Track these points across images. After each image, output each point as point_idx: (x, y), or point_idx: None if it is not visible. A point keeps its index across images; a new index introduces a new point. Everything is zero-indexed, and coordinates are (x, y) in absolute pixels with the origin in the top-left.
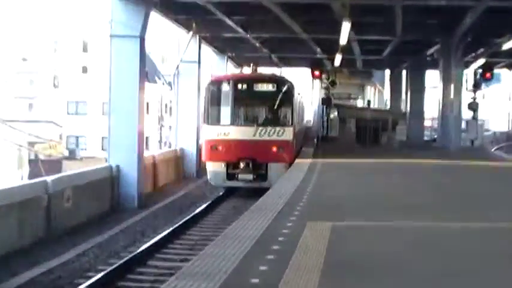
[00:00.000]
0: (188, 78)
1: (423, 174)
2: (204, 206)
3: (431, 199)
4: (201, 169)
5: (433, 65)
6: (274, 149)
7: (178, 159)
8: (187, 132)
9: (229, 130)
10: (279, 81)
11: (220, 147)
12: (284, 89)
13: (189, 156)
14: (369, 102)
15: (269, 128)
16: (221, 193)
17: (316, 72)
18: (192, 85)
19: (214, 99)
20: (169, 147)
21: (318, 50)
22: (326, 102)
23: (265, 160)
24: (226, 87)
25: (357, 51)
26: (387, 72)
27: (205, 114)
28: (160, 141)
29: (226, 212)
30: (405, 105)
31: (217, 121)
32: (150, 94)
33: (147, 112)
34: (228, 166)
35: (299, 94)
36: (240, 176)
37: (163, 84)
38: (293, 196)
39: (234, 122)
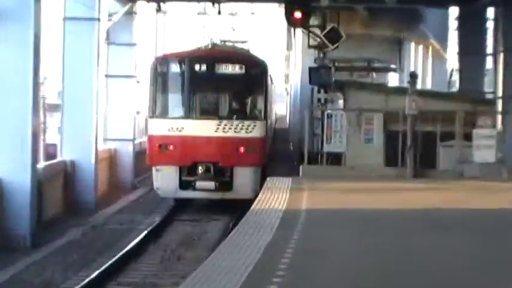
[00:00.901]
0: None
1: None
2: None
3: None
4: (40, 229)
5: None
6: (242, 149)
7: None
8: (12, 142)
9: (184, 124)
10: (248, 61)
11: (171, 147)
12: (255, 71)
13: (14, 199)
14: (413, 76)
15: (235, 122)
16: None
17: (298, 14)
18: (23, 36)
19: (162, 84)
20: None
21: None
22: (319, 78)
23: (230, 163)
24: (178, 69)
25: None
26: (453, 12)
27: (151, 104)
28: None
29: None
30: (494, 83)
31: (167, 113)
32: None
33: None
34: (181, 171)
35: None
36: (198, 184)
37: None
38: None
39: (189, 113)
